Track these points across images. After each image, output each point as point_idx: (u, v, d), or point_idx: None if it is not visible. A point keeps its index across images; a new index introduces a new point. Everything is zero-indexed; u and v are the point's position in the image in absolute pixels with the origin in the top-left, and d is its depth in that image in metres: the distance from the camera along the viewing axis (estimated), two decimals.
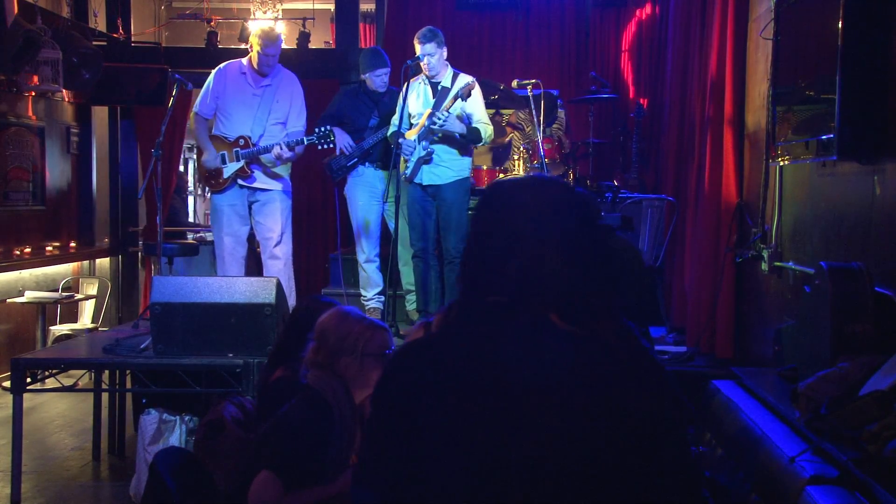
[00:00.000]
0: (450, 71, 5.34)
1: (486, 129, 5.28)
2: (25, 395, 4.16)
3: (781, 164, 3.99)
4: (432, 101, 5.28)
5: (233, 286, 4.07)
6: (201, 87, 5.58)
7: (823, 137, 3.31)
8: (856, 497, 2.26)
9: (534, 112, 5.74)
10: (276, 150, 5.26)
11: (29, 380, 4.18)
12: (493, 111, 6.69)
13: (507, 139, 6.96)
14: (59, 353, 4.68)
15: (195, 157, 5.96)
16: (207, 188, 5.65)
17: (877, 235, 3.14)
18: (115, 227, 8.26)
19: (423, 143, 5.23)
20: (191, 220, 10.74)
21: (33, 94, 7.07)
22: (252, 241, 5.75)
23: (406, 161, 5.36)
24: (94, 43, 7.40)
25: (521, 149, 6.61)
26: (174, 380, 4.16)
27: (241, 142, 5.35)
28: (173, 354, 4.07)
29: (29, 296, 6.85)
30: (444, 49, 5.28)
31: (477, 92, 5.34)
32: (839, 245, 3.46)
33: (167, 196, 7.64)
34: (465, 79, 5.27)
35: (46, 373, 4.36)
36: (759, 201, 4.39)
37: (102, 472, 4.83)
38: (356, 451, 2.48)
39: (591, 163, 6.99)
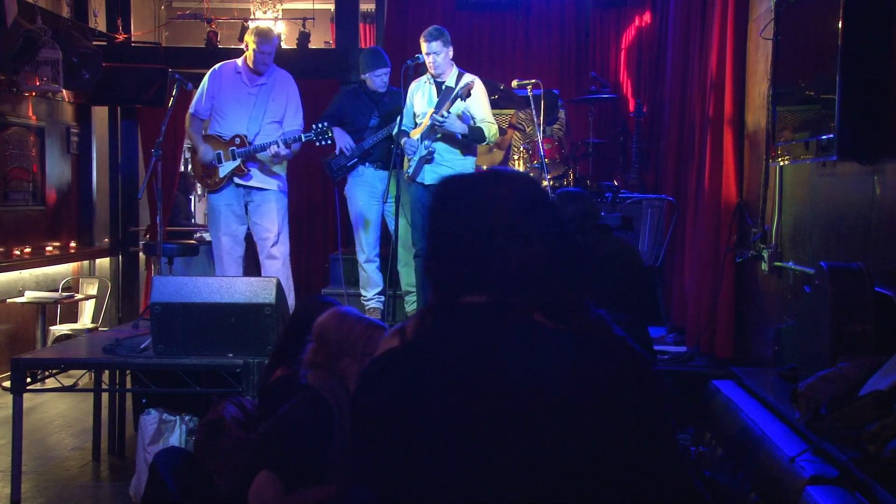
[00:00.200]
0: (455, 71, 5.34)
1: (490, 129, 5.28)
2: (25, 395, 4.16)
3: (781, 164, 3.99)
4: (436, 100, 5.29)
5: (233, 286, 4.07)
6: None
7: (823, 137, 3.31)
8: (856, 497, 2.26)
9: (534, 112, 5.74)
10: (273, 147, 5.26)
11: (29, 380, 4.18)
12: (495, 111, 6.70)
13: (508, 140, 6.96)
14: (59, 353, 4.68)
15: (190, 156, 5.97)
16: (204, 188, 5.65)
17: (877, 235, 3.14)
18: (115, 227, 8.26)
19: (426, 142, 5.23)
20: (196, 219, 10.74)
21: (33, 94, 7.07)
22: (249, 239, 5.75)
23: (409, 160, 5.37)
24: (94, 43, 7.40)
25: (521, 149, 6.62)
26: (174, 380, 4.16)
27: (237, 140, 5.35)
28: (173, 354, 4.07)
29: (29, 296, 6.85)
30: (450, 48, 5.28)
31: (481, 91, 5.34)
32: (839, 245, 3.46)
33: (168, 196, 7.64)
34: (467, 79, 5.27)
35: (46, 373, 4.37)
36: (759, 201, 4.39)
37: (102, 472, 4.83)
38: None
39: (591, 163, 6.99)
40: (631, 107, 7.49)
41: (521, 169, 6.51)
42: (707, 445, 3.45)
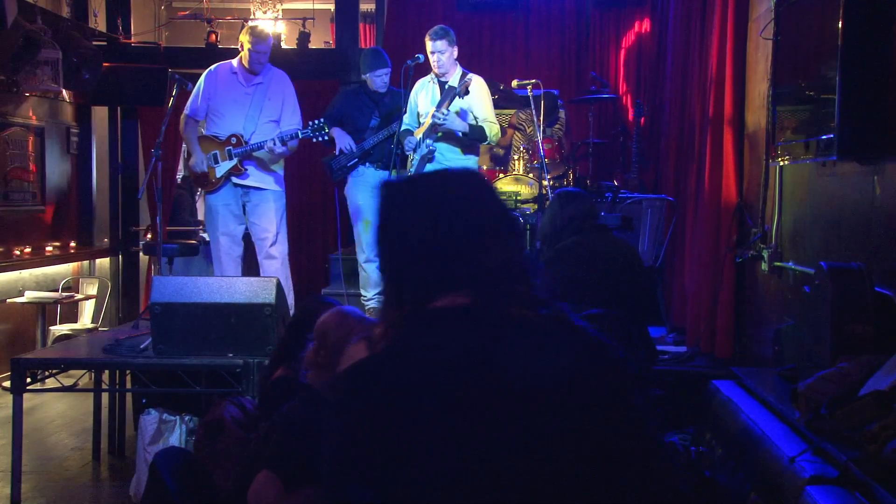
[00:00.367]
0: (459, 71, 5.34)
1: (492, 129, 5.27)
2: (25, 395, 4.16)
3: (781, 164, 3.99)
4: (439, 99, 5.30)
5: (233, 286, 4.07)
6: None
7: (823, 137, 3.31)
8: (856, 497, 2.26)
9: (534, 112, 5.74)
10: (269, 144, 5.26)
11: (29, 380, 4.18)
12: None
13: (508, 140, 6.97)
14: (59, 353, 4.68)
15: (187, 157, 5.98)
16: (200, 189, 5.65)
17: (877, 235, 3.14)
18: (115, 227, 8.25)
19: (427, 140, 5.24)
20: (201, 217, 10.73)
21: (33, 94, 7.07)
22: (248, 239, 5.75)
23: (411, 160, 5.37)
24: (94, 43, 7.40)
25: (522, 149, 6.62)
26: (174, 380, 4.16)
27: (234, 140, 5.35)
28: (173, 354, 4.07)
29: (29, 296, 6.85)
30: (455, 48, 5.29)
31: (483, 91, 5.34)
32: (839, 245, 3.46)
33: (168, 196, 7.64)
34: (468, 78, 5.28)
35: (46, 373, 4.36)
36: (759, 201, 4.39)
37: (102, 472, 4.83)
38: None
39: (591, 163, 6.99)
40: (631, 107, 7.49)
41: (521, 169, 6.51)
42: (707, 445, 3.45)
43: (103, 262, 8.29)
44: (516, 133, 6.96)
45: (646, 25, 7.91)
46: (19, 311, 7.00)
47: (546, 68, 7.81)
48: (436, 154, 5.27)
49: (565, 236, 3.80)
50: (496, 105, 6.83)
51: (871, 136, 3.10)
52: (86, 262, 8.07)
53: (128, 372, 4.71)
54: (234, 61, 5.49)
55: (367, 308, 5.73)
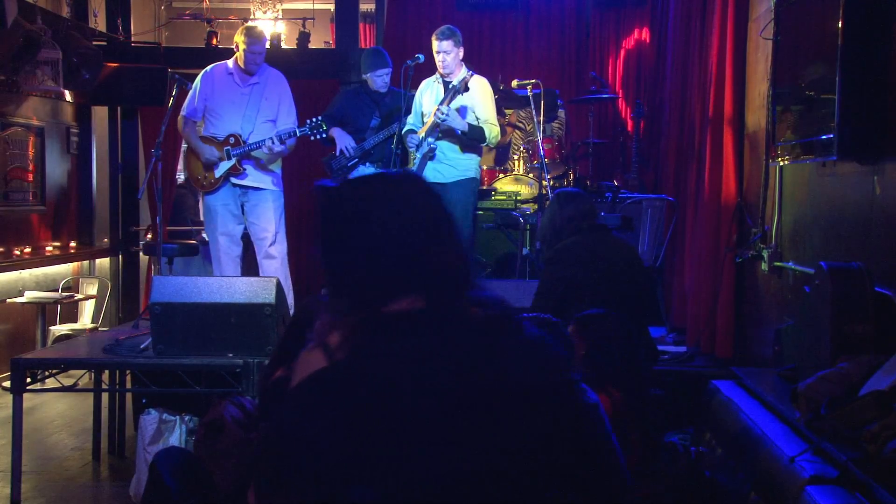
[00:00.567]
0: (464, 71, 5.34)
1: (492, 130, 5.28)
2: (25, 395, 4.16)
3: (781, 164, 3.99)
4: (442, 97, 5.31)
5: (233, 286, 4.07)
6: None
7: (823, 137, 3.31)
8: (856, 497, 2.26)
9: (534, 112, 5.74)
10: (269, 143, 5.26)
11: (29, 380, 4.17)
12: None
13: (508, 139, 6.96)
14: (59, 353, 4.68)
15: (184, 158, 5.97)
16: (199, 189, 5.64)
17: (877, 235, 3.14)
18: (115, 227, 8.25)
19: (429, 139, 5.25)
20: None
21: (33, 94, 7.07)
22: (247, 239, 5.75)
23: (413, 159, 5.38)
24: (94, 43, 7.40)
25: (522, 148, 6.62)
26: (174, 380, 4.16)
27: (232, 140, 5.35)
28: (173, 354, 4.07)
29: (29, 296, 6.85)
30: (461, 49, 5.29)
31: (486, 92, 5.34)
32: (839, 245, 3.46)
33: (168, 196, 7.64)
34: (474, 79, 5.29)
35: (46, 373, 4.36)
36: (759, 201, 4.39)
37: (102, 472, 4.83)
38: None
39: (591, 163, 6.99)
40: (631, 107, 7.49)
41: (521, 169, 6.51)
42: (707, 445, 3.45)
43: (103, 262, 8.28)
44: (516, 132, 6.96)
45: (646, 25, 7.91)
46: (19, 311, 7.00)
47: (546, 68, 7.81)
48: (436, 152, 5.27)
49: (565, 236, 3.80)
50: (496, 105, 6.84)
51: (870, 136, 3.10)
52: (86, 262, 8.07)
53: (128, 372, 4.71)
54: (230, 62, 5.49)
55: None
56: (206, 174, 5.41)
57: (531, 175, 6.36)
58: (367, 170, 5.72)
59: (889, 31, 3.06)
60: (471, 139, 5.26)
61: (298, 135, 5.35)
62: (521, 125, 6.99)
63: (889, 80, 3.05)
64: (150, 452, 4.05)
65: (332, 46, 8.56)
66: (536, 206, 5.83)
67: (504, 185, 6.29)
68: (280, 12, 9.96)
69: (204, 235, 8.08)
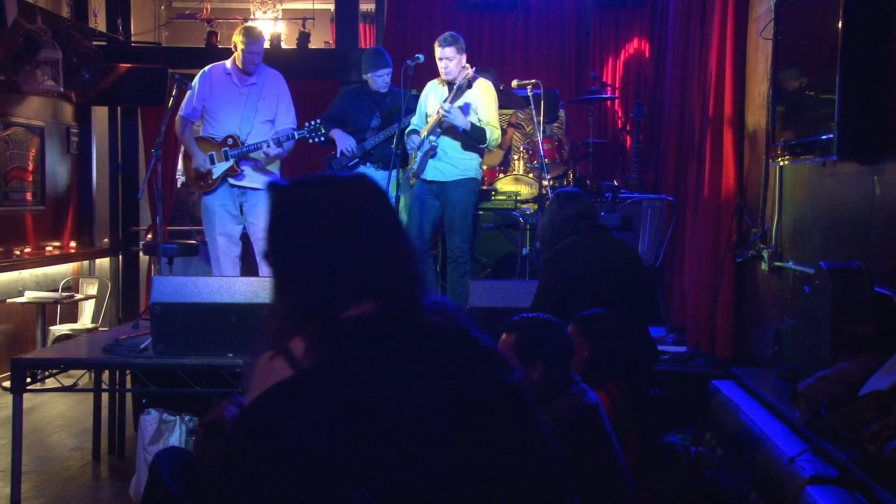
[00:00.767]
0: (468, 72, 5.34)
1: (493, 132, 5.28)
2: (25, 395, 4.16)
3: (781, 164, 3.99)
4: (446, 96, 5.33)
5: (233, 286, 4.07)
6: None
7: (823, 137, 3.31)
8: (856, 497, 2.26)
9: (534, 111, 5.74)
10: (265, 147, 5.26)
11: (29, 380, 4.18)
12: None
13: (508, 139, 6.96)
14: (59, 353, 4.68)
15: (183, 158, 5.97)
16: (197, 190, 5.64)
17: (877, 235, 3.14)
18: (115, 227, 8.25)
19: (431, 137, 5.25)
20: None
21: (33, 93, 7.07)
22: (246, 239, 5.75)
23: (413, 158, 5.38)
24: (94, 43, 7.39)
25: (522, 148, 6.61)
26: (174, 380, 4.16)
27: (230, 141, 5.35)
28: (173, 354, 4.07)
29: (29, 296, 6.85)
30: (463, 55, 5.29)
31: (490, 94, 5.35)
32: (839, 245, 3.46)
33: (168, 196, 7.64)
34: (479, 80, 5.31)
35: (46, 373, 4.37)
36: (759, 201, 4.39)
37: (102, 472, 4.83)
38: None
39: (591, 163, 6.99)
40: (631, 107, 7.49)
41: (521, 169, 6.51)
42: (707, 445, 3.45)
43: (103, 262, 8.29)
44: (516, 132, 6.96)
45: (646, 25, 7.91)
46: (19, 311, 7.00)
47: (546, 68, 7.81)
48: (438, 150, 5.27)
49: (564, 236, 3.80)
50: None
51: (870, 136, 3.10)
52: (86, 262, 8.07)
53: (128, 372, 4.71)
54: (228, 62, 5.48)
55: None
56: (196, 179, 5.40)
57: (531, 175, 6.36)
58: (367, 170, 5.72)
59: (889, 31, 3.06)
60: (471, 139, 5.26)
61: (297, 137, 5.35)
62: (520, 125, 6.99)
63: (889, 80, 3.05)
64: (150, 452, 4.05)
65: (332, 46, 8.56)
66: (536, 206, 5.83)
67: (504, 185, 6.29)
68: (280, 12, 9.96)
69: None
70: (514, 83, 5.97)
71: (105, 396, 4.98)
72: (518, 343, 2.73)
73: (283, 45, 8.76)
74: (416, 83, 5.69)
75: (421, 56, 5.42)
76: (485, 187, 5.92)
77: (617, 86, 8.03)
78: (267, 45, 5.61)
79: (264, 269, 5.51)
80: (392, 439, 1.32)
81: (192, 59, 7.72)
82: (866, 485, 2.25)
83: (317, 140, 5.42)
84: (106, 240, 8.30)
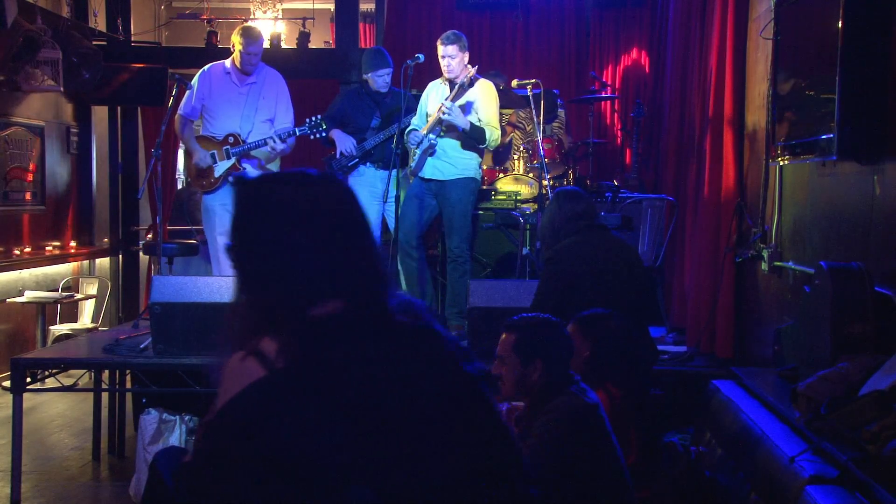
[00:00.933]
0: (471, 71, 5.34)
1: (492, 133, 5.27)
2: (25, 395, 4.16)
3: (781, 164, 3.99)
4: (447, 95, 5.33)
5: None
6: None
7: (823, 137, 3.31)
8: (856, 497, 2.26)
9: (534, 111, 5.73)
10: (271, 142, 5.27)
11: (29, 380, 4.18)
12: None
13: (508, 139, 6.96)
14: (59, 353, 4.68)
15: (184, 158, 5.96)
16: (198, 189, 5.64)
17: (877, 235, 3.14)
18: (115, 227, 8.26)
19: (430, 135, 5.25)
20: None
21: (33, 93, 7.07)
22: None
23: (413, 156, 5.38)
24: (94, 43, 7.40)
25: (522, 148, 6.61)
26: (174, 380, 4.16)
27: (231, 139, 5.36)
28: (173, 354, 4.07)
29: (29, 296, 6.85)
30: (466, 53, 5.29)
31: (491, 95, 5.35)
32: (839, 245, 3.46)
33: (168, 196, 7.64)
34: (480, 81, 5.30)
35: (46, 373, 4.37)
36: (759, 201, 4.39)
37: (102, 472, 4.83)
38: None
39: (591, 163, 6.99)
40: (631, 107, 7.49)
41: (521, 169, 6.51)
42: (707, 445, 3.45)
43: (103, 262, 8.29)
44: (515, 132, 6.96)
45: (645, 25, 7.90)
46: (19, 311, 7.00)
47: (546, 68, 7.81)
48: (437, 149, 5.27)
49: (564, 236, 3.80)
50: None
51: (870, 135, 3.10)
52: (86, 262, 8.07)
53: (128, 372, 4.71)
54: (227, 62, 5.49)
55: None
56: (205, 173, 5.41)
57: (531, 175, 6.35)
58: (367, 170, 5.72)
59: (889, 31, 3.06)
60: (471, 139, 5.26)
61: (298, 134, 5.35)
62: (520, 125, 6.98)
63: (889, 80, 3.05)
64: (150, 452, 4.05)
65: (332, 46, 8.56)
66: (536, 206, 5.83)
67: (504, 185, 6.29)
68: (280, 12, 9.96)
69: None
70: (514, 83, 5.97)
71: (105, 396, 4.98)
72: (518, 343, 2.73)
73: (283, 45, 8.76)
74: (416, 83, 5.69)
75: (421, 56, 5.41)
76: (485, 187, 5.92)
77: (617, 86, 8.03)
78: (267, 45, 5.62)
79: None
80: (375, 438, 1.33)
81: (192, 59, 7.72)
82: (866, 485, 2.25)
83: (318, 136, 5.43)
84: (106, 240, 8.30)
